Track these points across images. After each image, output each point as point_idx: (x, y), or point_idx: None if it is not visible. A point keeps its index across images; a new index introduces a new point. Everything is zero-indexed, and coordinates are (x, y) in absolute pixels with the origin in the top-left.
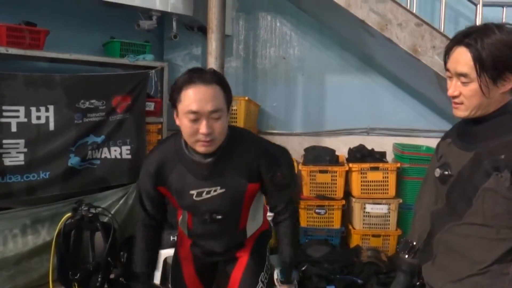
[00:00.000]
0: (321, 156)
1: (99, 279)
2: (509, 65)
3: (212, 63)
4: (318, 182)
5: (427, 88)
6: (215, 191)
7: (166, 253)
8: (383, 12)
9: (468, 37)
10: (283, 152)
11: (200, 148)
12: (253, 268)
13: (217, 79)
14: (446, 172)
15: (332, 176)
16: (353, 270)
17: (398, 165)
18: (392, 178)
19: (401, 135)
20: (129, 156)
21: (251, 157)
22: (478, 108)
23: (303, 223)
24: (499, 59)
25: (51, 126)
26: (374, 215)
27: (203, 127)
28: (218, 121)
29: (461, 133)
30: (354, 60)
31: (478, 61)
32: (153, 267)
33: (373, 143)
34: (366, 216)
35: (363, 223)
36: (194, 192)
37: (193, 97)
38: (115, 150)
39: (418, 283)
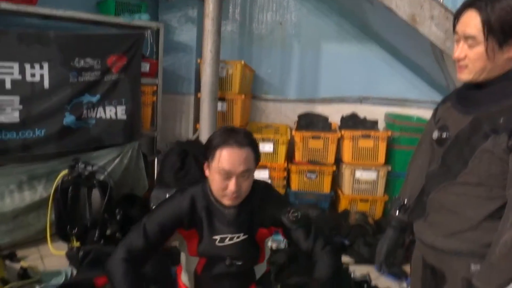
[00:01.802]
0: (314, 123)
1: (96, 234)
2: None
3: (209, 25)
4: (310, 147)
5: (422, 59)
6: (238, 237)
7: None
8: None
9: (480, 0)
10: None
11: (227, 202)
12: None
13: (249, 141)
14: (444, 134)
15: (324, 142)
16: (341, 232)
17: (389, 133)
18: (382, 146)
19: (393, 105)
20: (124, 117)
21: (267, 205)
22: (482, 72)
23: (294, 186)
24: (507, 24)
25: (46, 84)
26: (363, 181)
27: (232, 185)
28: (247, 180)
29: (462, 97)
30: (351, 28)
31: (487, 24)
32: None
33: (365, 112)
34: (355, 182)
35: (352, 188)
36: (217, 237)
37: (227, 158)
38: (110, 110)
39: (409, 240)
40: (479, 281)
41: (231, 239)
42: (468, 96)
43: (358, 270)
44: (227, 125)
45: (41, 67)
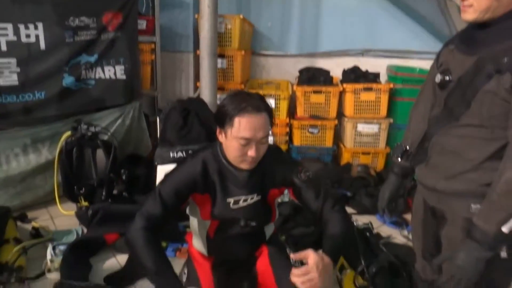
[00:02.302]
0: (315, 77)
1: (104, 193)
2: None
3: None
4: (312, 102)
5: (425, 7)
6: (252, 198)
7: (165, 169)
8: None
9: None
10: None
11: (245, 166)
12: (277, 250)
13: (265, 106)
14: (447, 78)
15: (326, 97)
16: (343, 185)
17: (391, 85)
18: (384, 99)
19: (395, 57)
20: (124, 77)
21: (278, 166)
22: (487, 11)
23: (296, 142)
24: None
25: (42, 44)
26: (365, 134)
27: (252, 151)
28: (264, 145)
29: (465, 38)
30: None
31: None
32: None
33: (367, 64)
34: (357, 135)
35: (354, 142)
36: (231, 200)
37: (247, 126)
38: (109, 70)
39: (410, 186)
40: (479, 219)
41: (245, 200)
42: (472, 36)
43: (360, 220)
44: (229, 84)
45: (36, 27)
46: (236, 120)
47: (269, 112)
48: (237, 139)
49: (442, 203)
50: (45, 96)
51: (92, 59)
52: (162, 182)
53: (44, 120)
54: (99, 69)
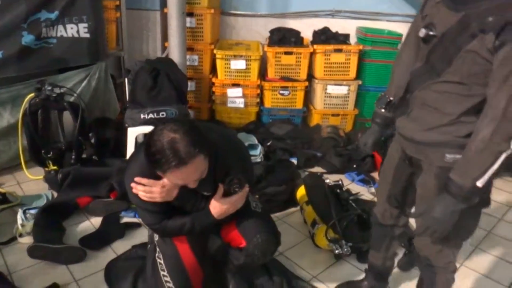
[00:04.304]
0: (286, 38)
1: (73, 157)
2: None
3: None
4: (283, 63)
5: None
6: (205, 195)
7: (136, 131)
8: None
9: None
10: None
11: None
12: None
13: (194, 147)
14: (431, 32)
15: (296, 58)
16: (313, 145)
17: (361, 47)
18: (354, 60)
19: (365, 19)
20: (88, 35)
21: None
22: None
23: (267, 103)
24: None
25: None
26: (335, 96)
27: (191, 185)
28: (204, 173)
29: None
30: None
31: None
32: None
33: (337, 26)
34: (327, 96)
35: (324, 103)
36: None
37: (179, 178)
38: (71, 28)
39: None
40: (456, 175)
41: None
42: None
43: (331, 179)
44: (198, 44)
45: None
46: (167, 175)
47: (201, 148)
48: (173, 183)
49: (419, 153)
50: (3, 56)
51: (53, 16)
52: (131, 196)
53: (4, 82)
54: (60, 27)
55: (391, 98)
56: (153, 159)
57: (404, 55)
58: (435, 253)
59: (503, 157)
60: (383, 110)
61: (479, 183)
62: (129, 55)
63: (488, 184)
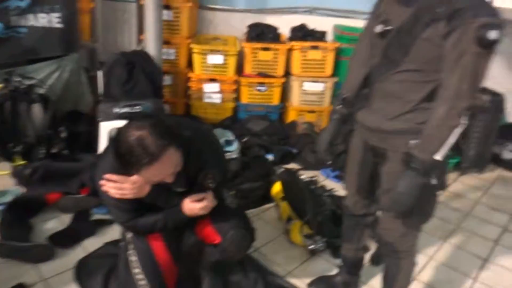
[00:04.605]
0: (264, 34)
1: (43, 151)
2: None
3: None
4: (260, 59)
5: None
6: (180, 191)
7: (110, 125)
8: None
9: None
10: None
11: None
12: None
13: (161, 143)
14: (387, 28)
15: (274, 54)
16: (289, 142)
17: (337, 45)
18: (330, 58)
19: (342, 17)
20: (60, 25)
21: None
22: None
23: (244, 99)
24: None
25: None
26: (311, 93)
27: (167, 180)
28: (179, 167)
29: None
30: None
31: None
32: None
33: (314, 23)
34: (303, 93)
35: (300, 100)
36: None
37: (153, 175)
38: (42, 18)
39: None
40: (416, 150)
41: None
42: None
43: (306, 175)
44: (175, 37)
45: None
46: (142, 174)
47: (170, 139)
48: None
49: (384, 142)
50: None
51: (23, 4)
52: (101, 193)
53: None
54: (31, 16)
55: (348, 94)
56: (123, 160)
57: (360, 52)
58: (398, 237)
59: (456, 131)
60: (340, 106)
61: (438, 156)
62: (104, 47)
63: (444, 169)
